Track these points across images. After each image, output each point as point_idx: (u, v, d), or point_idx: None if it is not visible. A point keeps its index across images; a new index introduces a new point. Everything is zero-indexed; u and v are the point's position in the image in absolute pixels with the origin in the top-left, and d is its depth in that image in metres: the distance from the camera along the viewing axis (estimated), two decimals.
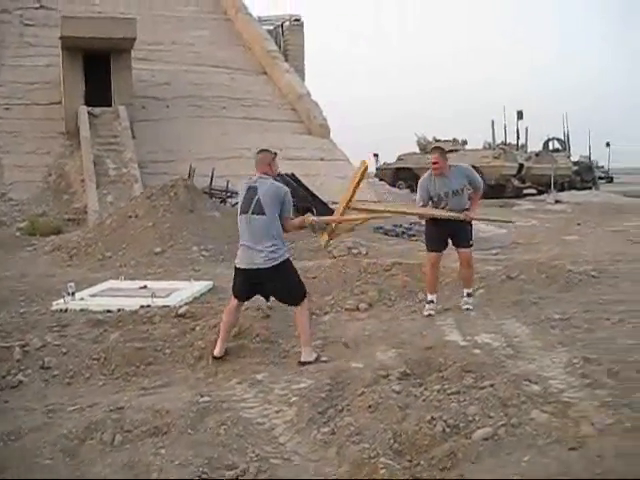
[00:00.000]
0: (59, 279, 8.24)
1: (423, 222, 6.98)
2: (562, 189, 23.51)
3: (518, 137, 25.21)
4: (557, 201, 19.19)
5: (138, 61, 19.06)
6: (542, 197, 21.18)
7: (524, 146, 24.92)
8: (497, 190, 22.06)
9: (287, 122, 20.52)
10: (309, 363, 4.69)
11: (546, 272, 7.19)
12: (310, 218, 5.34)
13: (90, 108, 15.65)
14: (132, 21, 15.39)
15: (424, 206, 6.37)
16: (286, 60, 23.88)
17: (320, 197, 14.61)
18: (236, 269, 4.94)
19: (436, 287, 6.44)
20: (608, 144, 30.01)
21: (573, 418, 3.54)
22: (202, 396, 3.95)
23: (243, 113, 20.05)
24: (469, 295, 6.29)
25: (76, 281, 7.90)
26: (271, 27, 25.40)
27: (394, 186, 24.41)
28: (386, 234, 13.21)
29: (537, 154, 24.06)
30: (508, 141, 24.71)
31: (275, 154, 5.01)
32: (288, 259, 4.91)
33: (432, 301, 6.27)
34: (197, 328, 5.40)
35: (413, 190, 22.54)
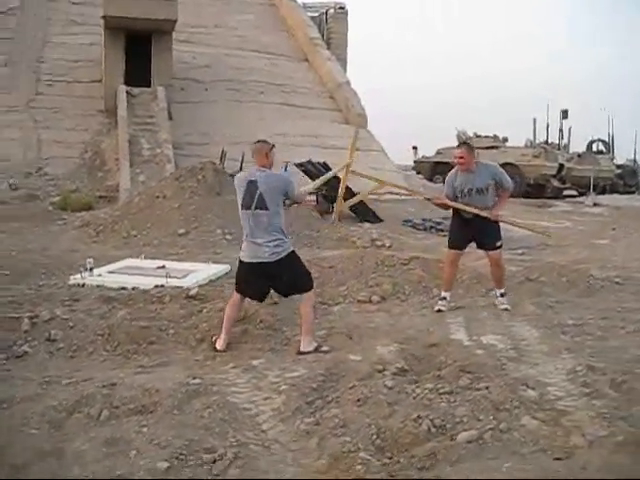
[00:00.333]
0: (82, 254, 8.37)
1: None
2: (603, 192, 22.89)
3: (562, 137, 24.66)
4: (595, 204, 18.67)
5: (180, 43, 19.22)
6: (581, 199, 20.66)
7: (567, 146, 24.35)
8: (536, 190, 21.63)
9: (325, 110, 20.45)
10: (307, 353, 4.69)
11: (567, 276, 7.01)
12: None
13: (129, 88, 15.85)
14: (173, 3, 15.49)
15: None
16: (329, 48, 23.78)
17: (351, 186, 14.51)
18: (240, 262, 4.93)
19: (452, 285, 6.35)
20: None
21: (565, 427, 3.44)
22: (194, 378, 3.97)
23: (281, 99, 20.05)
24: (502, 295, 6.17)
25: (98, 258, 8.05)
26: (315, 14, 25.31)
27: (431, 180, 24.15)
28: (414, 227, 13.07)
29: (579, 155, 23.44)
30: (551, 140, 24.16)
31: (273, 146, 4.96)
32: (293, 251, 4.90)
33: (445, 298, 6.19)
34: (204, 310, 5.43)
35: None
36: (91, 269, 6.91)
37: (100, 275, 6.98)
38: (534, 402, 3.73)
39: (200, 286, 6.67)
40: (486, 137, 23.64)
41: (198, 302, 5.78)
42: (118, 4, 15.01)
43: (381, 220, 13.75)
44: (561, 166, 21.86)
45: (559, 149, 23.49)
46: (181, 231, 9.76)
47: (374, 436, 3.33)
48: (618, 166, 25.29)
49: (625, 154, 27.14)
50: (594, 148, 25.86)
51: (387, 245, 10.35)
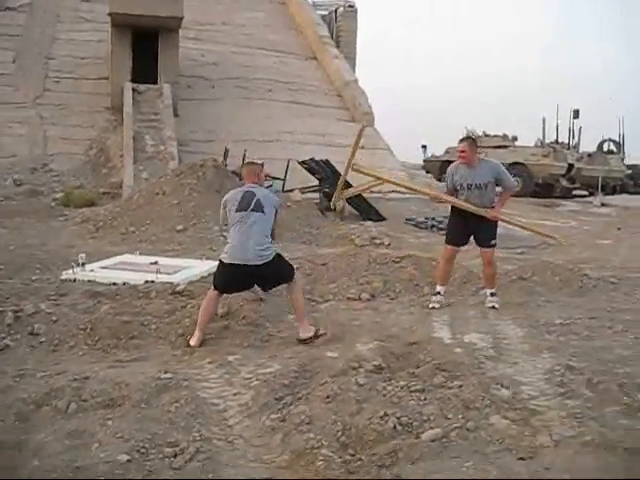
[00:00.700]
0: (79, 250, 8.38)
1: None
2: (614, 192, 22.66)
3: (573, 136, 24.38)
4: (603, 204, 18.50)
5: (188, 40, 19.29)
6: (589, 199, 20.47)
7: (577, 146, 24.11)
8: (545, 189, 21.46)
9: (332, 108, 20.42)
10: (309, 339, 4.80)
11: (560, 275, 6.94)
12: None
13: (135, 85, 15.91)
14: (179, 0, 15.51)
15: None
16: (338, 46, 23.74)
17: (353, 184, 14.47)
18: (223, 263, 5.01)
19: (447, 280, 6.32)
20: None
21: (533, 427, 3.41)
22: (165, 372, 3.97)
23: (289, 97, 20.06)
24: (492, 295, 6.12)
25: (94, 253, 8.11)
26: (325, 12, 25.29)
27: (440, 180, 24.03)
28: (417, 226, 13.02)
29: (589, 155, 23.18)
30: (561, 140, 23.92)
31: (262, 165, 5.48)
32: (277, 253, 5.08)
33: (439, 293, 6.16)
34: (188, 306, 5.43)
35: None
36: (83, 264, 6.94)
37: (92, 270, 7.00)
38: (506, 401, 3.69)
39: (190, 282, 6.68)
40: (495, 136, 23.47)
41: (184, 298, 5.78)
42: (123, 1, 15.08)
43: (384, 218, 13.71)
44: (570, 166, 21.66)
45: (569, 149, 23.26)
46: (179, 227, 9.80)
47: (339, 433, 3.31)
48: (629, 166, 24.99)
49: (637, 154, 26.85)
50: (605, 148, 25.58)
51: (386, 243, 10.32)
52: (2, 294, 5.56)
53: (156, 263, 7.46)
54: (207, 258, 8.06)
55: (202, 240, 9.51)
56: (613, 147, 25.47)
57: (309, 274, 7.01)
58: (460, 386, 3.82)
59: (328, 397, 3.65)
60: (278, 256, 5.06)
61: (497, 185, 6.28)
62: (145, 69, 16.64)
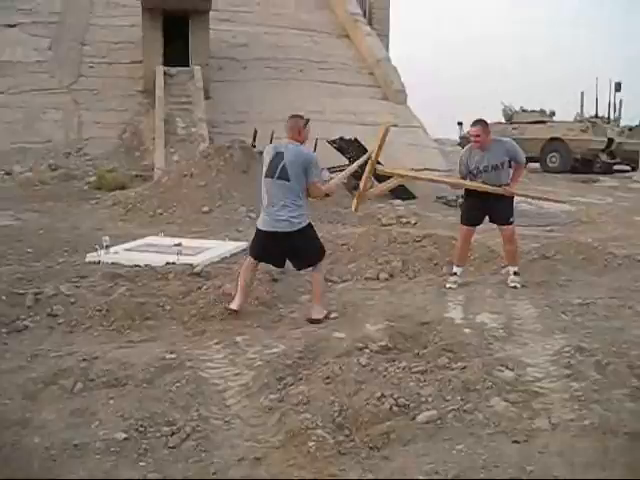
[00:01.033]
0: (107, 233, 8.54)
1: None
2: None
3: (614, 110, 23.60)
4: None
5: (221, 22, 19.30)
6: (631, 174, 19.84)
7: (617, 120, 23.33)
8: (584, 165, 20.91)
9: (364, 87, 20.21)
10: (318, 321, 4.82)
11: (584, 253, 6.79)
12: (332, 186, 5.49)
13: (167, 68, 16.04)
14: None
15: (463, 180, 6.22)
16: (370, 24, 23.43)
17: (383, 163, 14.36)
18: (257, 230, 5.05)
19: (464, 260, 6.28)
20: None
21: (533, 410, 3.36)
22: (172, 353, 4.04)
23: (320, 76, 19.92)
24: (515, 274, 6.05)
25: (122, 236, 8.27)
26: None
27: None
28: (447, 204, 12.86)
29: (630, 129, 22.43)
30: (601, 114, 23.19)
31: (307, 120, 5.02)
32: (309, 224, 4.99)
33: (456, 273, 6.12)
34: (203, 287, 5.50)
35: None
36: (107, 247, 7.08)
37: (116, 253, 7.14)
38: (508, 383, 3.65)
39: (212, 263, 6.78)
40: (532, 112, 22.97)
41: (202, 279, 5.86)
42: None
43: (414, 197, 13.60)
44: (610, 140, 21.00)
45: (608, 123, 22.53)
46: (205, 209, 9.90)
47: (336, 414, 3.32)
48: None
49: None
50: None
51: (412, 222, 10.24)
52: (25, 277, 5.70)
53: (180, 245, 7.58)
54: (231, 239, 8.15)
55: (228, 221, 9.60)
56: None
57: (329, 254, 6.95)
58: (463, 368, 3.80)
59: (328, 378, 3.67)
60: (310, 227, 4.99)
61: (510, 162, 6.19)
62: (177, 52, 16.74)
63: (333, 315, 5.03)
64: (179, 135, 14.25)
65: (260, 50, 19.58)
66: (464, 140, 25.78)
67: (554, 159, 21.19)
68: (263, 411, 3.44)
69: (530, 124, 22.09)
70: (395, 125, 5.88)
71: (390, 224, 10.00)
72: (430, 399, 3.42)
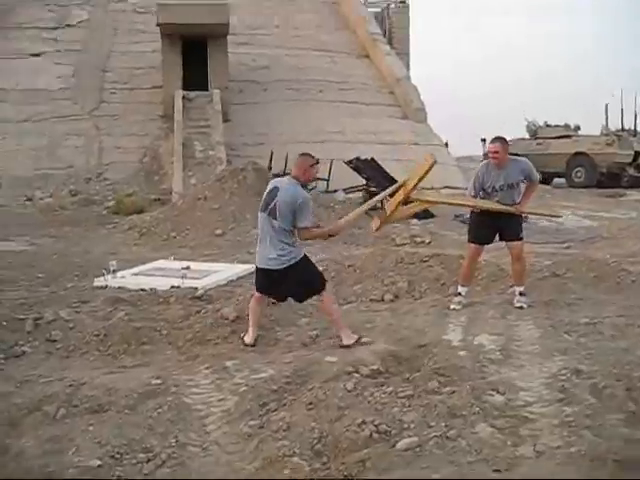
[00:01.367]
0: (119, 257, 8.66)
1: None
2: None
3: None
4: None
5: (240, 45, 19.55)
6: None
7: None
8: (611, 179, 20.53)
9: (384, 106, 20.22)
10: (350, 346, 4.69)
11: (596, 270, 6.61)
12: (338, 226, 5.25)
13: (186, 92, 16.27)
14: (224, 7, 15.75)
15: (474, 197, 6.08)
16: (391, 43, 23.51)
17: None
18: (255, 266, 5.01)
19: (470, 280, 6.15)
20: None
21: (520, 436, 3.25)
22: (158, 378, 4.01)
23: (340, 97, 20.00)
24: (521, 294, 5.91)
25: (134, 260, 8.34)
26: (378, 10, 25.09)
27: None
28: (464, 222, 12.68)
29: None
30: (628, 127, 22.84)
31: (317, 161, 4.90)
32: (302, 258, 4.84)
33: (460, 294, 6.00)
34: (202, 312, 5.49)
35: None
36: (114, 271, 7.13)
37: (124, 277, 7.19)
38: (497, 408, 3.54)
39: (218, 286, 6.77)
40: (557, 126, 22.68)
41: (203, 303, 5.84)
42: (170, 11, 15.45)
43: (433, 216, 13.47)
44: (637, 154, 20.59)
45: (635, 135, 22.11)
46: (218, 232, 9.95)
47: (315, 441, 3.26)
48: None
49: None
50: None
51: (427, 242, 10.13)
52: (27, 302, 5.77)
53: (188, 268, 7.60)
54: (241, 262, 8.15)
55: (240, 243, 9.62)
56: None
57: (334, 276, 6.95)
58: (452, 392, 3.70)
59: (311, 403, 3.60)
60: (305, 260, 4.87)
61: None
62: (196, 76, 16.97)
63: (365, 339, 4.81)
64: (197, 158, 14.40)
65: (280, 72, 19.76)
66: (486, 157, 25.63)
67: (579, 174, 20.85)
68: (242, 438, 3.38)
69: (554, 139, 21.80)
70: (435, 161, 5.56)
71: (404, 244, 9.91)
72: (413, 425, 3.33)
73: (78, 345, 4.97)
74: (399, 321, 5.52)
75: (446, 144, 22.37)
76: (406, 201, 6.00)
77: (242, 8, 21.26)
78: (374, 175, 13.64)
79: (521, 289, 5.96)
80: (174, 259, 8.28)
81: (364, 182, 14.20)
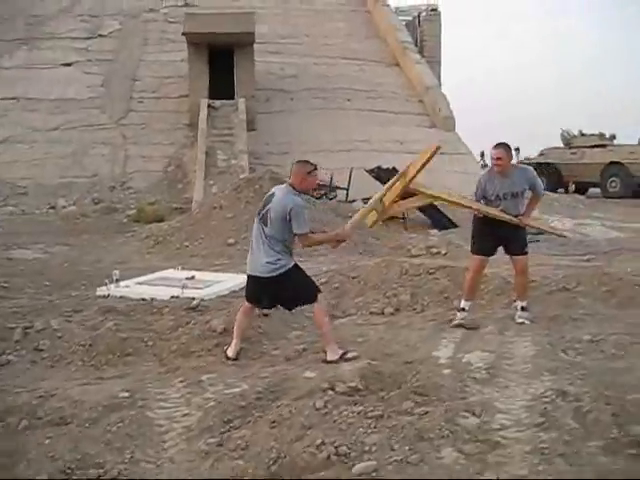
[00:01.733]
0: (130, 266, 8.70)
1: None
2: None
3: None
4: None
5: (269, 54, 19.66)
6: None
7: None
8: None
9: (413, 115, 20.03)
10: (334, 362, 4.54)
11: (608, 285, 6.30)
12: (345, 231, 5.07)
13: (211, 101, 16.38)
14: (250, 16, 15.84)
15: None
16: (422, 51, 23.32)
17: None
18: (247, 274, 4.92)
19: (474, 295, 5.91)
20: None
21: (486, 463, 3.06)
22: (127, 391, 3.94)
23: (368, 105, 19.88)
24: (523, 309, 5.68)
25: (144, 269, 8.33)
26: (409, 18, 24.93)
27: None
28: None
29: None
30: None
31: (315, 168, 4.77)
32: (290, 268, 4.71)
33: (464, 309, 5.76)
34: (191, 323, 5.41)
35: (554, 187, 20.93)
36: (117, 280, 7.12)
37: (128, 286, 7.18)
38: (469, 432, 3.34)
39: (218, 297, 6.70)
40: (592, 135, 22.05)
41: (195, 314, 5.76)
42: (197, 21, 15.60)
43: (456, 226, 13.18)
44: None
45: None
46: (230, 241, 9.90)
47: (271, 461, 3.13)
48: None
49: None
50: None
51: (443, 252, 9.88)
52: (22, 311, 5.79)
53: (192, 278, 7.55)
54: (243, 272, 8.06)
55: None
56: None
57: (337, 288, 6.81)
58: (425, 413, 3.52)
59: (274, 422, 3.47)
60: (296, 270, 4.75)
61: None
62: (223, 85, 17.10)
63: (352, 354, 4.64)
64: (219, 167, 14.45)
65: (308, 81, 19.76)
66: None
67: (614, 184, 20.25)
68: (199, 455, 3.27)
69: (589, 148, 21.25)
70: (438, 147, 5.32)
71: (419, 255, 9.69)
72: (374, 448, 3.17)
73: (64, 355, 4.95)
74: (393, 335, 5.35)
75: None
76: (406, 192, 5.77)
77: (273, 17, 21.42)
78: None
79: (523, 304, 5.72)
80: (181, 269, 8.24)
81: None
